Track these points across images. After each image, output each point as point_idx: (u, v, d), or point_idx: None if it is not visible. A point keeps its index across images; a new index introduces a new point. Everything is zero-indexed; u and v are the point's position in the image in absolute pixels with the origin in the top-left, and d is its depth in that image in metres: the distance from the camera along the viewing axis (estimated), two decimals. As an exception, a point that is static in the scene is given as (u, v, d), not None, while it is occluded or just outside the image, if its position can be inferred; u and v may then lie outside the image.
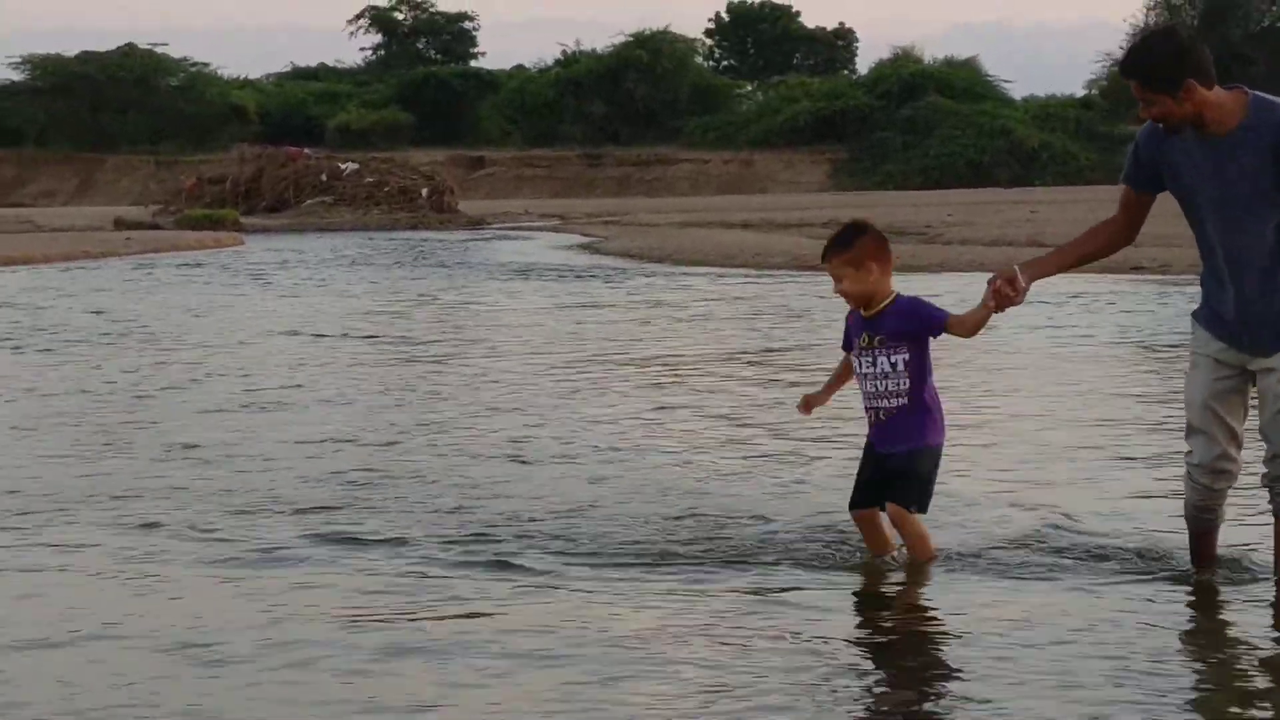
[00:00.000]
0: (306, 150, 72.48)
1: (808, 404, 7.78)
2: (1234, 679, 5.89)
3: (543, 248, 43.76)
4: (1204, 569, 7.15)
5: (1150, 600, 6.85)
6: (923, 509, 7.39)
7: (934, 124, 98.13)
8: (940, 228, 42.62)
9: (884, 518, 7.50)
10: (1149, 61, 6.55)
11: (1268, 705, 5.57)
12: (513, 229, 58.72)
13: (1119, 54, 7.32)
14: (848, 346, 7.57)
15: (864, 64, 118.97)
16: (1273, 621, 6.56)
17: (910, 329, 7.30)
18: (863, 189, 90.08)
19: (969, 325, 7.18)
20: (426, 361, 16.58)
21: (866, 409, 7.44)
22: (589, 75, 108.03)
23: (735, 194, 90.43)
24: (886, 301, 7.36)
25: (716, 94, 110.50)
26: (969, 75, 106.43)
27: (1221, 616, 6.71)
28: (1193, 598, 6.94)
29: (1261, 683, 5.87)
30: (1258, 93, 6.62)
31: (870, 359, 7.35)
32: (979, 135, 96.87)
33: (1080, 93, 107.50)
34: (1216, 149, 6.58)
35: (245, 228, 56.35)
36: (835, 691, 5.77)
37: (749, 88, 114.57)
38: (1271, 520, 6.89)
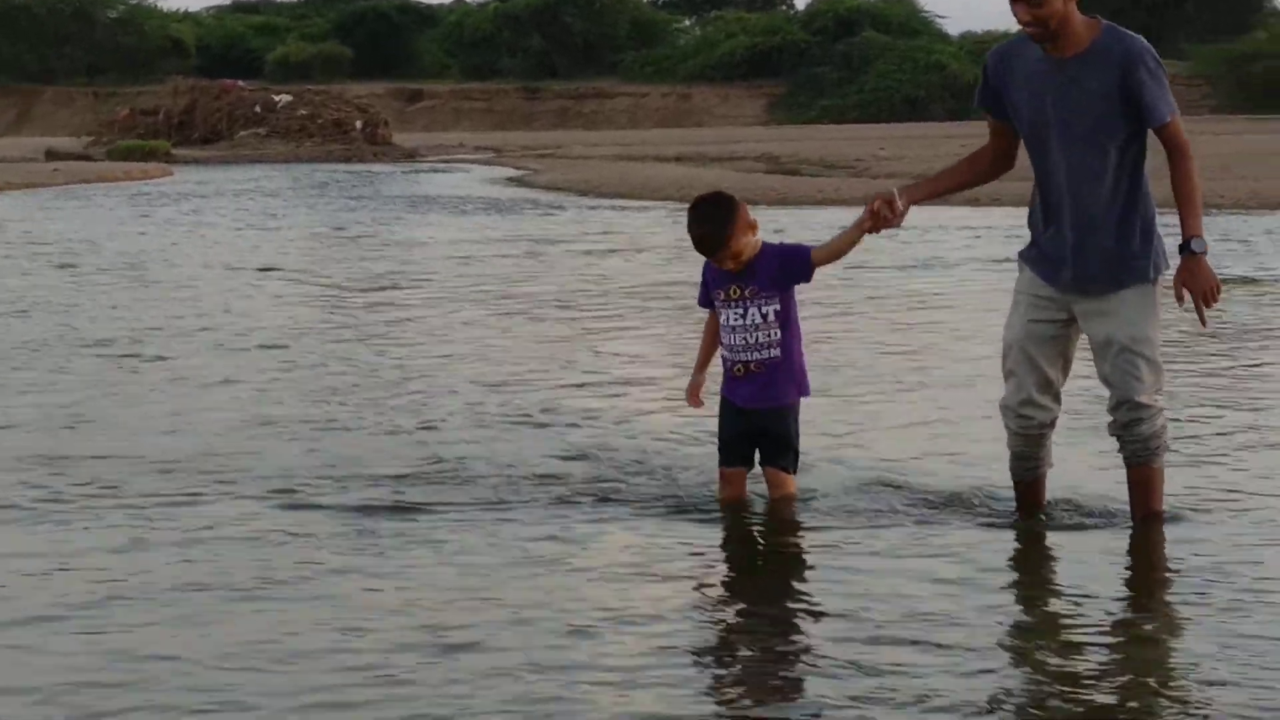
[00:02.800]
0: (240, 83, 72.22)
1: (696, 393, 7.42)
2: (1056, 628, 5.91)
3: (470, 180, 43.73)
4: (1029, 516, 7.04)
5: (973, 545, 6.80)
6: (795, 469, 7.33)
7: (869, 59, 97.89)
8: (870, 161, 42.77)
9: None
10: None
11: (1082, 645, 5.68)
12: (445, 162, 58.58)
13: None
14: (706, 302, 7.35)
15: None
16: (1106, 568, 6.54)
17: (783, 275, 7.11)
18: (799, 123, 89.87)
19: (833, 249, 7.05)
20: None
21: (732, 363, 7.19)
22: (527, 9, 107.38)
23: (673, 128, 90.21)
24: (755, 252, 7.14)
25: (654, 28, 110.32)
26: (904, 10, 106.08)
27: (1044, 564, 6.70)
28: (1017, 545, 6.87)
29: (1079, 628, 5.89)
30: (1112, 24, 6.57)
31: (740, 310, 7.12)
32: (915, 70, 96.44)
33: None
34: (1063, 69, 6.54)
35: (177, 159, 56.27)
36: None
37: (687, 22, 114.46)
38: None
